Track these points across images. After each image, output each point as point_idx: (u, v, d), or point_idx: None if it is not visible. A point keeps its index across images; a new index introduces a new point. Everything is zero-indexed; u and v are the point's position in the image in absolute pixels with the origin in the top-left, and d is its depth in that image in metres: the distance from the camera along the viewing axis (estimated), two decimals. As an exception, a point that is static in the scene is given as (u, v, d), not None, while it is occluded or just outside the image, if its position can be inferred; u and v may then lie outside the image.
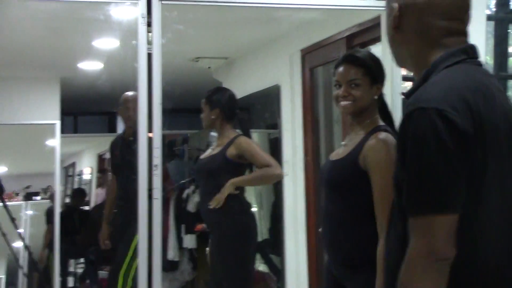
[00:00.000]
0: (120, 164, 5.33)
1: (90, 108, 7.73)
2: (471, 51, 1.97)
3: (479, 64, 1.98)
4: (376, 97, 3.08)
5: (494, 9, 5.24)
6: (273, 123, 6.01)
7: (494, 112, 1.83)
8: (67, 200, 6.90)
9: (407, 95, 1.94)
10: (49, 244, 6.23)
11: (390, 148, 2.89)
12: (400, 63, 2.12)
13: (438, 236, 1.72)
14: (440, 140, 1.72)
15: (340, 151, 3.13)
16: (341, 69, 3.10)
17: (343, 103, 3.07)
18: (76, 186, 7.28)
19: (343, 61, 3.12)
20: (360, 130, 3.08)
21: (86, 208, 6.86)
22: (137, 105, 4.91)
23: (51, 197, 6.38)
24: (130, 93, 5.03)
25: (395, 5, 1.98)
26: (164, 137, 3.99)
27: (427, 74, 1.91)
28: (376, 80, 3.07)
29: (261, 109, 6.19)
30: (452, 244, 1.73)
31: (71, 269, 6.77)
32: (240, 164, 4.32)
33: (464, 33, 1.98)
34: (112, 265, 5.52)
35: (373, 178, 2.90)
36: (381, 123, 3.09)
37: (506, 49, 5.12)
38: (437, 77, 1.87)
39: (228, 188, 4.23)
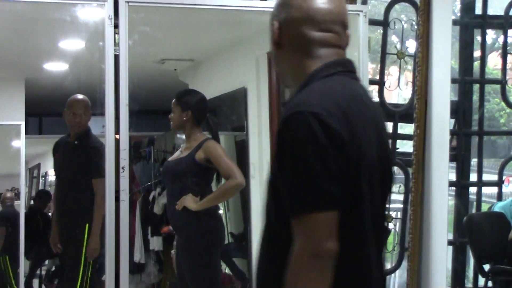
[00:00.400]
0: (60, 167, 5.27)
1: (55, 109, 7.65)
2: (348, 65, 2.05)
3: (356, 78, 2.06)
4: None
5: (459, 14, 5.30)
6: (240, 126, 6.01)
7: (367, 121, 1.92)
8: (31, 202, 6.85)
9: (285, 104, 1.99)
10: (3, 248, 6.19)
11: None
12: (284, 80, 2.19)
13: (320, 233, 1.77)
14: (316, 141, 1.78)
15: None
16: None
17: None
18: (41, 187, 7.23)
19: None
20: None
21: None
22: (77, 109, 4.93)
23: (3, 201, 6.35)
24: (76, 97, 4.98)
25: (275, 23, 2.06)
26: (130, 139, 3.98)
27: (304, 84, 1.97)
28: None
29: (228, 112, 6.19)
30: (335, 240, 1.79)
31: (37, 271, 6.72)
32: (208, 168, 4.32)
33: (340, 46, 2.04)
34: (66, 282, 5.40)
35: None
36: None
37: (471, 53, 5.19)
38: (314, 85, 1.94)
39: (190, 206, 4.25)
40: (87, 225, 4.83)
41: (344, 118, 1.83)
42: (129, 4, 3.89)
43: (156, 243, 5.94)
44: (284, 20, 2.04)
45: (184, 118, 4.37)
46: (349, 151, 1.82)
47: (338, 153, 1.80)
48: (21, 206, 6.13)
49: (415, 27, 4.71)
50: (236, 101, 5.93)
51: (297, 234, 1.79)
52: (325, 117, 1.80)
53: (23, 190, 6.24)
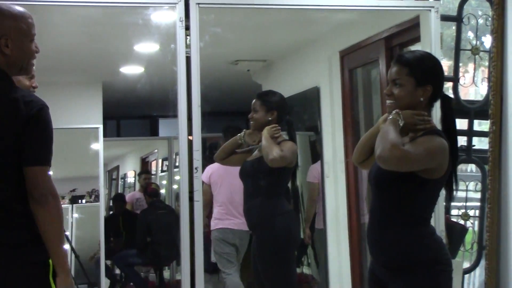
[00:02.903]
0: None
1: (131, 112, 7.78)
2: None
3: None
4: (422, 99, 3.03)
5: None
6: (313, 125, 5.99)
7: None
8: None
9: None
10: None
11: (438, 142, 2.91)
12: None
13: None
14: None
15: None
16: (390, 68, 3.10)
17: (387, 101, 3.07)
18: (120, 189, 7.36)
19: (393, 60, 3.12)
20: (411, 132, 3.05)
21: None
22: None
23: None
24: None
25: None
26: (205, 140, 4.02)
27: None
28: (421, 82, 3.02)
29: (301, 111, 6.18)
30: None
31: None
32: (284, 168, 4.32)
33: None
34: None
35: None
36: (434, 127, 3.06)
37: None
38: None
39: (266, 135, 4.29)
40: None
41: None
42: (200, 5, 3.93)
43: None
44: None
45: (270, 118, 4.40)
46: None
47: None
48: (101, 208, 6.25)
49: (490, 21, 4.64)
50: (309, 101, 5.91)
51: None
52: None
53: (102, 192, 6.37)
